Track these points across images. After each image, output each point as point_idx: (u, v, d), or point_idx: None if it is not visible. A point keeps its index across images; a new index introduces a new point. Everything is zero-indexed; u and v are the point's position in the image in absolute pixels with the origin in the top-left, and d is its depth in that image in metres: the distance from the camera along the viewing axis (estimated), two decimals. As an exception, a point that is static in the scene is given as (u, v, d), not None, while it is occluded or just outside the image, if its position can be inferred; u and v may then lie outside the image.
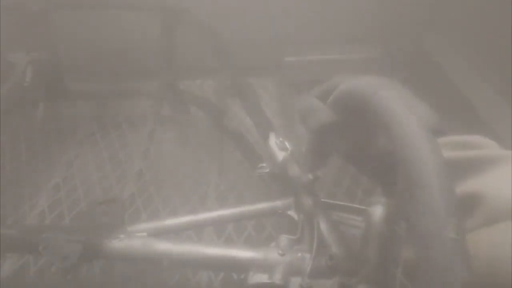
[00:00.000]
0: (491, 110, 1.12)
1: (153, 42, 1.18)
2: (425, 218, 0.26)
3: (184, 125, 1.29)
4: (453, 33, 1.40)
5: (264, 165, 0.75)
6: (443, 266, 0.25)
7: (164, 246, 0.59)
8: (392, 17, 1.40)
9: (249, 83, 1.15)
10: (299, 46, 1.44)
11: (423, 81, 1.35)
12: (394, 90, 0.33)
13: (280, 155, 0.73)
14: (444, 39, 1.42)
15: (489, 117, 1.10)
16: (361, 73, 0.39)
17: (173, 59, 1.21)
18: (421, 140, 0.28)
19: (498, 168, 0.33)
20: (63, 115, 1.35)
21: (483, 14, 1.26)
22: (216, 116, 1.15)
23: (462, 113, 1.18)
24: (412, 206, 0.27)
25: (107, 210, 0.64)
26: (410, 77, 1.33)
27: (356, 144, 0.41)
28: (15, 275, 0.87)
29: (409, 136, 0.29)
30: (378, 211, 0.49)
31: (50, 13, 1.16)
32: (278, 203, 0.67)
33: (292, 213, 0.64)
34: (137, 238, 0.62)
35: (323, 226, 0.54)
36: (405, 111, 0.30)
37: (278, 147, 0.74)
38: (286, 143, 0.74)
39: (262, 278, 0.52)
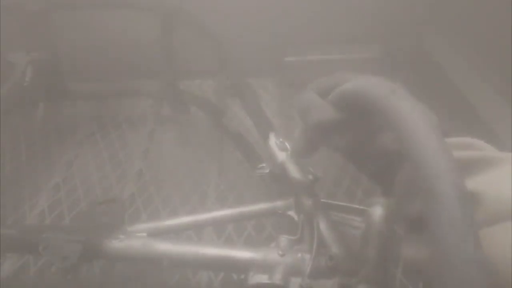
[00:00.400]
0: (491, 110, 1.12)
1: (153, 42, 1.18)
2: (443, 231, 0.26)
3: (184, 125, 1.29)
4: (453, 33, 1.40)
5: (264, 165, 0.75)
6: (463, 283, 0.25)
7: (164, 246, 0.59)
8: (392, 17, 1.40)
9: (249, 83, 1.15)
10: (299, 46, 1.44)
11: (423, 81, 1.35)
12: (403, 94, 0.33)
13: (280, 156, 0.73)
14: (444, 39, 1.42)
15: (489, 117, 1.10)
16: (361, 72, 0.39)
17: (173, 59, 1.21)
18: (439, 151, 0.28)
19: (498, 168, 0.33)
20: (63, 115, 1.35)
21: (483, 14, 1.26)
22: (216, 116, 1.15)
23: (462, 113, 1.18)
24: (429, 216, 0.27)
25: (107, 210, 0.65)
26: (410, 77, 1.33)
27: (355, 142, 0.41)
28: (15, 275, 0.87)
29: (427, 148, 0.29)
30: (378, 212, 0.49)
31: (50, 13, 1.16)
32: (278, 203, 0.67)
33: (292, 213, 0.64)
34: (137, 238, 0.62)
35: (323, 226, 0.54)
36: (421, 120, 0.30)
37: (278, 147, 0.74)
38: (286, 143, 0.74)
39: (262, 278, 0.52)
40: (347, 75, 0.39)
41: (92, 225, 0.64)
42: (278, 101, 1.41)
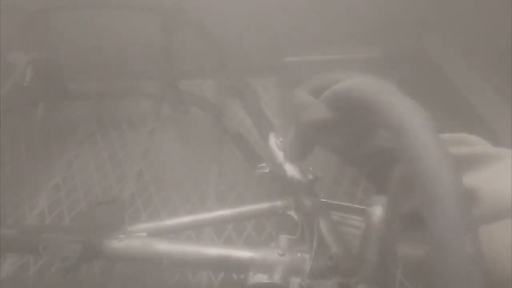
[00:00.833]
0: (491, 110, 1.12)
1: (153, 42, 1.18)
2: (442, 230, 0.26)
3: (184, 125, 1.29)
4: (453, 33, 1.40)
5: (264, 165, 0.75)
6: (463, 277, 0.25)
7: (164, 246, 0.59)
8: (392, 17, 1.40)
9: (249, 83, 1.15)
10: (299, 46, 1.44)
11: (423, 81, 1.35)
12: (395, 92, 0.33)
13: (280, 155, 0.73)
14: (444, 39, 1.42)
15: (489, 117, 1.10)
16: (358, 72, 0.39)
17: (173, 59, 1.21)
18: (437, 151, 0.28)
19: (493, 165, 0.33)
20: (63, 115, 1.35)
21: (483, 14, 1.26)
22: (216, 116, 1.15)
23: (462, 113, 1.18)
24: (427, 214, 0.27)
25: (107, 210, 0.65)
26: (410, 77, 1.33)
27: (349, 141, 0.41)
28: (15, 275, 0.87)
29: (425, 147, 0.28)
30: (378, 211, 0.49)
31: (50, 13, 1.16)
32: (278, 203, 0.67)
33: (292, 213, 0.64)
34: (137, 238, 0.62)
35: (323, 226, 0.54)
36: (418, 120, 0.30)
37: (278, 147, 0.74)
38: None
39: (262, 278, 0.52)
40: (339, 74, 0.39)
41: (92, 225, 0.64)
42: (278, 101, 1.41)
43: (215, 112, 1.16)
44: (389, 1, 1.39)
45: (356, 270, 0.48)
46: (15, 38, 1.15)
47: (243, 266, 0.55)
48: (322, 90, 0.40)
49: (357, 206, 0.54)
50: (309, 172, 0.63)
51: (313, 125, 0.41)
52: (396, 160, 0.32)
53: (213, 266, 0.64)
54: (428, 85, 1.32)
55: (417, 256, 0.31)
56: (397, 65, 1.40)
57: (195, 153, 1.21)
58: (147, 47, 1.23)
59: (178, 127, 1.28)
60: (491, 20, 1.22)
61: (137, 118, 1.35)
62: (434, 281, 0.27)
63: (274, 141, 0.76)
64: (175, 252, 0.58)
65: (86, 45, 1.39)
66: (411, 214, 0.32)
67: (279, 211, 0.66)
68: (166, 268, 0.58)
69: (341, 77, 0.38)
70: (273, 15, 1.41)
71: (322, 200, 0.59)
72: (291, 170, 0.68)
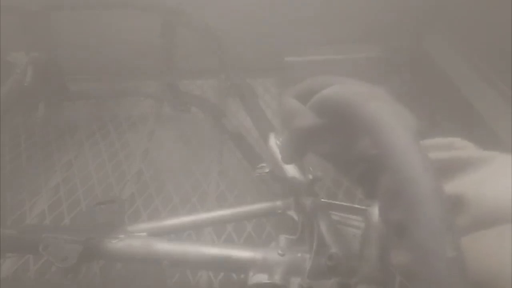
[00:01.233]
0: (491, 110, 1.12)
1: (153, 42, 1.18)
2: (422, 235, 0.26)
3: (184, 125, 1.29)
4: (453, 33, 1.40)
5: (264, 165, 0.75)
6: (443, 284, 0.25)
7: (164, 246, 0.59)
8: (392, 17, 1.40)
9: (249, 83, 1.15)
10: (299, 46, 1.44)
11: (423, 81, 1.35)
12: (381, 101, 0.33)
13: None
14: (444, 39, 1.42)
15: (489, 117, 1.10)
16: (352, 73, 0.39)
17: (173, 59, 1.21)
18: (416, 157, 0.28)
19: (480, 169, 0.33)
20: (63, 115, 1.35)
21: (483, 14, 1.26)
22: (216, 116, 1.15)
23: (462, 113, 1.18)
24: (408, 220, 0.27)
25: (107, 210, 0.64)
26: (410, 77, 1.34)
27: (337, 148, 0.41)
28: (15, 275, 0.87)
29: (403, 155, 0.28)
30: (378, 211, 0.49)
31: (50, 13, 1.16)
32: (278, 203, 0.67)
33: (292, 213, 0.64)
34: (137, 238, 0.62)
35: (323, 226, 0.54)
36: (397, 127, 0.30)
37: (278, 147, 0.74)
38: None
39: (262, 278, 0.52)
40: (326, 80, 0.39)
41: (92, 225, 0.64)
42: (278, 101, 1.41)
43: (215, 112, 1.16)
44: (389, 1, 1.39)
45: (356, 270, 0.48)
46: (15, 38, 1.15)
47: (243, 266, 0.55)
48: (310, 96, 0.40)
49: (357, 206, 0.54)
50: (309, 172, 0.63)
51: (301, 133, 0.41)
52: (383, 168, 0.33)
53: (213, 266, 0.64)
54: (428, 85, 1.32)
55: (405, 264, 0.31)
56: (397, 65, 1.40)
57: (195, 153, 1.21)
58: (147, 47, 1.23)
59: (178, 127, 1.28)
60: (491, 20, 1.22)
61: (137, 118, 1.35)
62: (417, 286, 0.26)
63: (274, 141, 0.76)
64: (175, 252, 0.58)
65: (86, 45, 1.39)
66: (398, 223, 0.31)
67: (279, 211, 0.66)
68: (166, 268, 0.58)
69: (328, 82, 0.38)
70: (274, 15, 1.41)
71: (322, 200, 0.59)
72: (291, 170, 0.68)
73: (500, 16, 1.15)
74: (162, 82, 1.23)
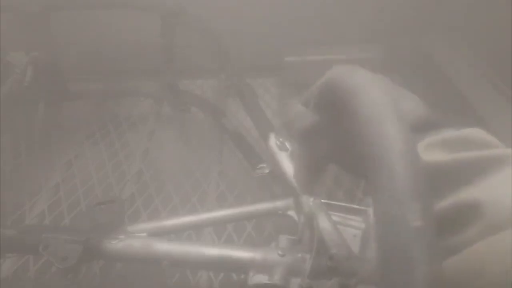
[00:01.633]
0: (491, 110, 1.12)
1: (153, 42, 1.18)
2: (384, 203, 0.23)
3: (184, 125, 1.29)
4: (453, 33, 1.40)
5: (264, 165, 0.76)
6: (403, 256, 0.22)
7: (164, 246, 0.59)
8: (392, 17, 1.40)
9: (249, 83, 1.15)
10: (299, 46, 1.44)
11: (423, 81, 1.35)
12: (364, 76, 0.31)
13: (281, 156, 0.73)
14: (444, 39, 1.42)
15: (489, 116, 1.10)
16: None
17: (173, 59, 1.21)
18: (382, 116, 0.26)
19: (497, 171, 0.30)
20: (63, 115, 1.35)
21: (483, 14, 1.26)
22: (216, 116, 1.15)
23: (462, 113, 1.18)
24: (373, 190, 0.24)
25: (107, 210, 0.65)
26: (410, 77, 1.33)
27: (337, 142, 0.40)
28: (15, 275, 0.87)
29: (370, 111, 0.26)
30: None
31: (50, 13, 1.16)
32: (278, 203, 0.67)
33: (292, 213, 0.64)
34: (137, 238, 0.62)
35: (323, 226, 0.54)
36: (374, 96, 0.28)
37: (278, 148, 0.74)
38: (286, 144, 0.74)
39: (262, 278, 0.52)
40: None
41: (92, 225, 0.64)
42: (278, 101, 1.41)
43: (215, 112, 1.16)
44: (389, 1, 1.39)
45: (356, 270, 0.48)
46: (15, 38, 1.15)
47: (243, 267, 0.55)
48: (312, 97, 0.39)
49: (357, 206, 0.54)
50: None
51: (302, 134, 0.40)
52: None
53: (213, 266, 0.64)
54: (428, 85, 1.32)
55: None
56: (397, 65, 1.40)
57: (195, 153, 1.21)
58: (147, 47, 1.23)
59: (178, 127, 1.28)
60: (491, 20, 1.22)
61: (137, 118, 1.35)
62: (378, 259, 0.24)
63: (274, 141, 0.76)
64: (175, 252, 0.58)
65: (86, 45, 1.39)
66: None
67: (279, 211, 0.66)
68: (166, 268, 0.58)
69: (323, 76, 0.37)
70: (274, 15, 1.41)
71: (322, 200, 0.59)
72: (291, 170, 0.68)
73: (500, 16, 1.15)
74: (162, 82, 1.23)
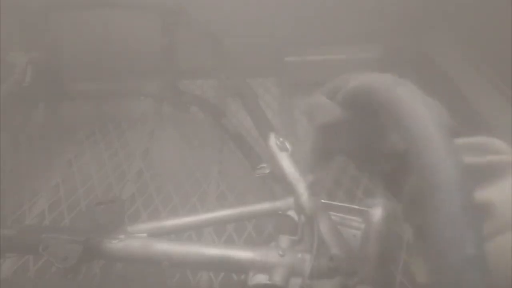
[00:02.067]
0: (491, 109, 1.12)
1: (153, 42, 1.18)
2: (442, 232, 0.24)
3: (184, 125, 1.29)
4: (453, 33, 1.40)
5: (264, 165, 0.75)
6: (457, 279, 0.23)
7: (164, 246, 0.59)
8: (392, 17, 1.40)
9: (249, 83, 1.15)
10: (299, 46, 1.44)
11: (423, 81, 1.35)
12: (409, 88, 0.32)
13: (281, 156, 0.73)
14: (444, 39, 1.42)
15: (489, 116, 1.10)
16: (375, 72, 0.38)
17: (173, 59, 1.21)
18: (441, 143, 0.26)
19: (509, 175, 0.31)
20: (63, 115, 1.35)
21: (483, 13, 1.26)
22: (216, 116, 1.15)
23: (462, 113, 1.18)
24: (427, 216, 0.25)
25: (107, 210, 0.64)
26: (410, 77, 1.33)
27: (362, 143, 0.40)
28: (15, 275, 0.87)
29: (428, 138, 0.27)
30: (378, 212, 0.49)
31: (50, 13, 1.16)
32: (278, 203, 0.67)
33: (292, 213, 0.64)
34: (137, 238, 0.62)
35: (323, 226, 0.54)
36: (423, 110, 0.28)
37: (279, 148, 0.74)
38: (286, 143, 0.74)
39: (262, 278, 0.52)
40: (354, 76, 0.38)
41: (92, 225, 0.64)
42: (278, 101, 1.41)
43: (215, 112, 1.16)
44: (389, 1, 1.39)
45: (356, 270, 0.48)
46: (15, 38, 1.15)
47: (243, 267, 0.55)
48: (337, 92, 0.39)
49: (358, 207, 0.54)
50: (309, 173, 0.63)
51: (326, 127, 0.40)
52: (410, 167, 0.31)
53: (213, 267, 0.64)
54: (428, 85, 1.32)
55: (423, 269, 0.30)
56: (397, 65, 1.40)
57: (195, 153, 1.21)
58: (147, 47, 1.23)
59: (179, 127, 1.28)
60: (491, 20, 1.22)
61: (137, 118, 1.35)
62: (433, 284, 0.25)
63: (274, 141, 0.76)
64: (175, 253, 0.58)
65: (86, 45, 1.39)
66: (420, 224, 0.30)
67: (279, 211, 0.66)
68: (166, 268, 0.58)
69: (355, 78, 0.37)
70: (274, 15, 1.41)
71: (322, 200, 0.59)
72: (291, 170, 0.69)
73: (500, 16, 1.15)
74: (162, 82, 1.23)
